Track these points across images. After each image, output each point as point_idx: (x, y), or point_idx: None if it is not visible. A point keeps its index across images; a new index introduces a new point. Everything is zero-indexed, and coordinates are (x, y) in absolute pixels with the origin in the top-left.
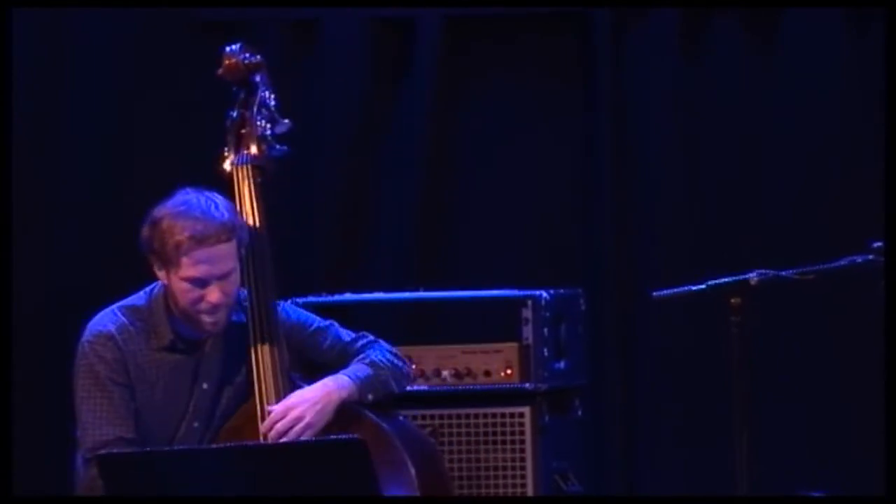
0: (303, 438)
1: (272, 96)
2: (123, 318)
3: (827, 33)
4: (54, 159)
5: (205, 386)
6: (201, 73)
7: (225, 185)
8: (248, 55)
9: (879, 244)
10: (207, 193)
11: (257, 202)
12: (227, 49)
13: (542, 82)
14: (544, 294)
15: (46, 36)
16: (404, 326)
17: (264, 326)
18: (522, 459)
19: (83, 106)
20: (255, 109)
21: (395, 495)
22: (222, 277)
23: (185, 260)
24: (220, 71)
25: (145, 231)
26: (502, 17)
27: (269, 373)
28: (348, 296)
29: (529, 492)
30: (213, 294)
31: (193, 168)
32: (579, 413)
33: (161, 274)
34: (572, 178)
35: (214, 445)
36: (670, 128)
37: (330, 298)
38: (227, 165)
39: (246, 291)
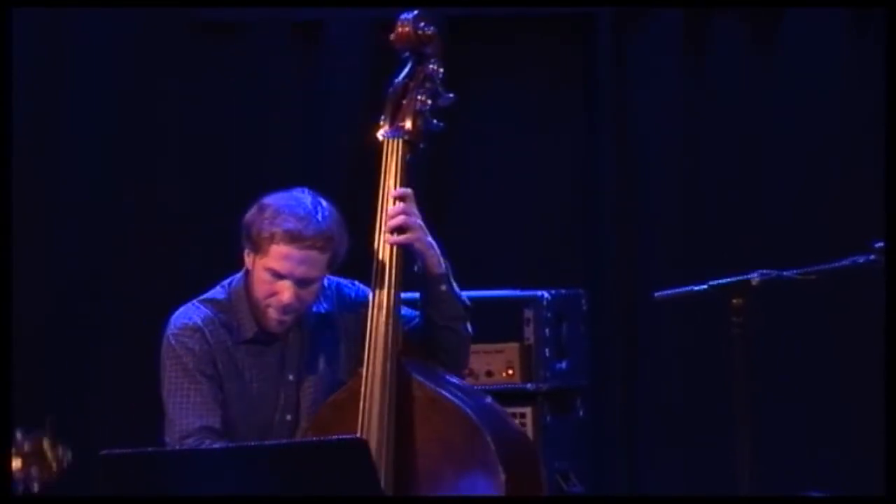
0: (403, 237)
1: (440, 70)
2: (207, 311)
3: (827, 34)
4: (54, 159)
5: (290, 377)
6: (201, 73)
7: (374, 154)
8: (423, 24)
9: (881, 244)
10: (322, 199)
11: (400, 180)
12: (403, 16)
13: (544, 83)
14: (546, 294)
15: (46, 36)
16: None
17: (383, 307)
18: None
19: (83, 106)
20: (419, 82)
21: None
22: (302, 282)
23: (273, 249)
24: (392, 37)
25: (250, 213)
26: (503, 17)
27: (381, 358)
28: None
29: None
30: (287, 293)
31: (194, 168)
32: (581, 413)
33: (248, 259)
34: (574, 179)
35: (217, 446)
36: (671, 128)
37: None
38: (379, 135)
39: (328, 278)
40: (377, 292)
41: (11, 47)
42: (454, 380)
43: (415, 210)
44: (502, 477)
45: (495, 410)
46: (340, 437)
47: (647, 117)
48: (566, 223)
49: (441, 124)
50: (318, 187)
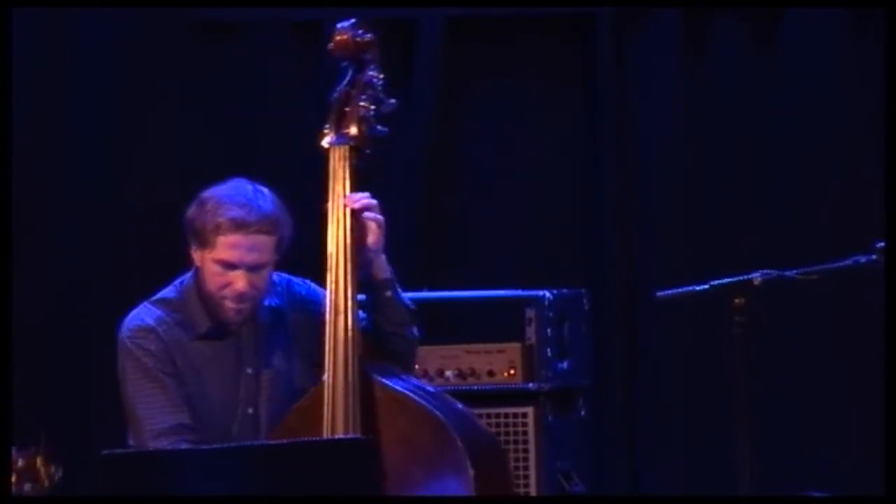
0: (373, 214)
1: (380, 76)
2: (159, 311)
3: (827, 34)
4: (54, 159)
5: (249, 370)
6: (201, 74)
7: (321, 162)
8: (360, 32)
9: (882, 244)
10: (259, 185)
11: (350, 184)
12: (339, 25)
13: (544, 83)
14: (547, 294)
15: (46, 36)
16: None
17: (341, 312)
18: (526, 459)
19: (83, 106)
20: (360, 89)
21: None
22: (253, 268)
23: (220, 240)
24: (331, 46)
25: (191, 210)
26: (504, 18)
27: (343, 363)
28: None
29: (533, 491)
30: (240, 281)
31: (194, 168)
32: (582, 413)
33: (196, 255)
34: (575, 179)
35: (217, 446)
36: (672, 128)
37: None
38: (324, 143)
39: (279, 275)
40: (333, 296)
41: (11, 47)
42: (414, 381)
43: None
44: (471, 473)
45: (459, 408)
46: (341, 437)
47: (648, 117)
48: (567, 223)
49: (385, 129)
50: (318, 187)
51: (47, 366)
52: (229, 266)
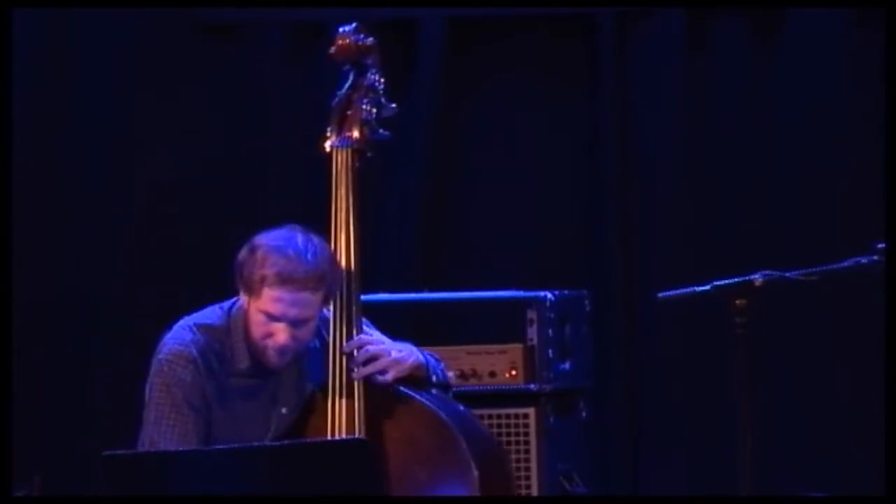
0: (385, 377)
1: (381, 80)
2: (202, 338)
3: (830, 34)
4: (54, 160)
5: (283, 410)
6: (203, 75)
7: (323, 165)
8: (361, 36)
9: (883, 245)
10: (314, 237)
11: (353, 188)
12: (341, 29)
13: (546, 83)
14: (549, 295)
15: (46, 37)
16: (409, 327)
17: (347, 325)
18: (527, 460)
19: (84, 107)
20: (362, 92)
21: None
22: (297, 323)
23: (266, 293)
24: (332, 50)
25: (241, 254)
26: (505, 17)
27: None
28: None
29: (534, 492)
30: (282, 335)
31: (194, 168)
32: (584, 414)
33: (244, 299)
34: (577, 179)
35: (218, 446)
36: (674, 128)
37: None
38: (327, 146)
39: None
40: (338, 304)
41: (12, 48)
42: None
43: (377, 343)
44: (475, 473)
45: (460, 409)
46: (341, 437)
47: (650, 118)
48: (569, 224)
49: (387, 133)
50: (319, 187)
51: (48, 366)
52: (273, 318)
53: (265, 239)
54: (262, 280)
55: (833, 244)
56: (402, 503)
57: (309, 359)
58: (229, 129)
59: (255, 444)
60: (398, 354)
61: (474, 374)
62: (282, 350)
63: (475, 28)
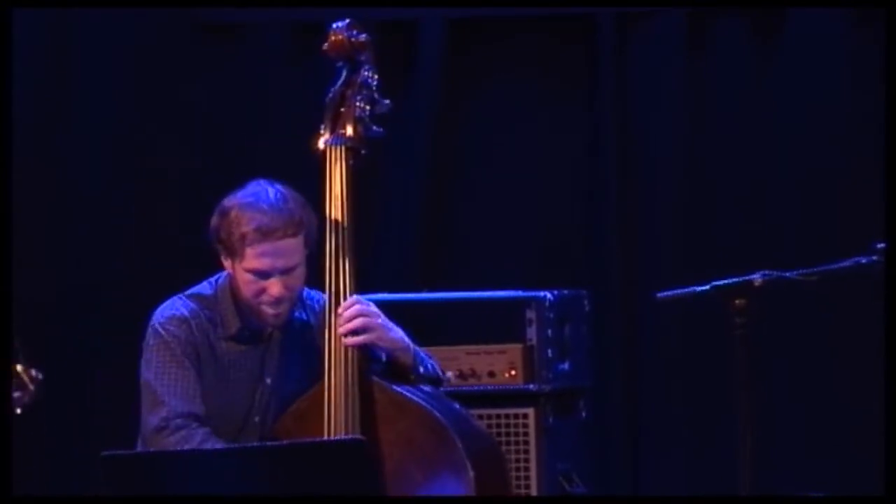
0: (362, 338)
1: (375, 77)
2: (193, 305)
3: (830, 34)
4: (54, 160)
5: (268, 381)
6: (203, 75)
7: (317, 163)
8: (354, 32)
9: (883, 245)
10: (279, 186)
11: (347, 185)
12: (334, 25)
13: (546, 84)
14: (548, 295)
15: (46, 38)
16: (408, 327)
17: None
18: (527, 460)
19: (84, 107)
20: (355, 89)
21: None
22: (285, 272)
23: (249, 251)
24: (325, 46)
25: (214, 220)
26: (505, 18)
27: (342, 365)
28: None
29: (534, 492)
30: (275, 287)
31: (194, 168)
32: (583, 414)
33: (227, 263)
34: (576, 179)
35: (218, 447)
36: (674, 129)
37: None
38: (320, 144)
39: (308, 290)
40: (333, 300)
41: (12, 48)
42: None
43: (371, 308)
44: (471, 474)
45: (457, 409)
46: (341, 437)
47: (650, 118)
48: (568, 224)
49: (381, 130)
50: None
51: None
52: (262, 275)
53: (234, 199)
54: (243, 238)
55: (833, 244)
56: (401, 503)
57: (295, 330)
58: (229, 129)
59: (255, 444)
60: (386, 323)
61: (473, 374)
62: (277, 302)
63: (475, 28)
